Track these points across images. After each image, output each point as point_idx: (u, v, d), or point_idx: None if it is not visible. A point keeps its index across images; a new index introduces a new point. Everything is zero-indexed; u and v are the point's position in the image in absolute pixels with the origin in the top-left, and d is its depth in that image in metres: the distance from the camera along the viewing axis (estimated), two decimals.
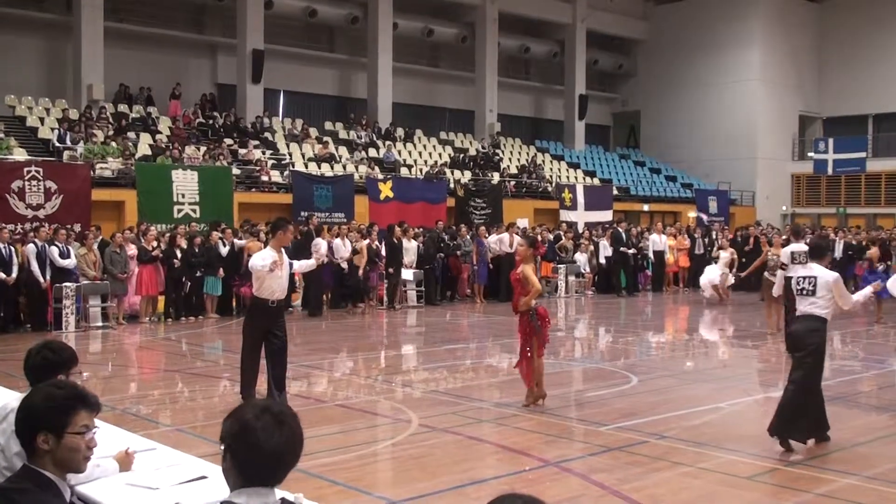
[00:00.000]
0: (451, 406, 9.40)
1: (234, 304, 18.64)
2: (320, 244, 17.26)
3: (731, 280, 21.27)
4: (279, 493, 2.44)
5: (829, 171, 34.87)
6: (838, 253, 24.26)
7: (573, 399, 9.89)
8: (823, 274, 7.78)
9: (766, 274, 15.53)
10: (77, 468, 2.85)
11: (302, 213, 22.09)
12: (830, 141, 35.35)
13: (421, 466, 7.19)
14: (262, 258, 9.10)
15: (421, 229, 21.61)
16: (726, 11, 36.29)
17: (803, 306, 7.84)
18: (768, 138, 36.48)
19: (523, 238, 9.56)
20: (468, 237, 21.75)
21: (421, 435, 8.18)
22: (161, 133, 24.74)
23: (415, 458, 7.44)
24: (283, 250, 9.33)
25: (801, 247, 12.96)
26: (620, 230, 24.41)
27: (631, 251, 24.01)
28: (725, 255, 21.84)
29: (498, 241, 21.37)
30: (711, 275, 21.33)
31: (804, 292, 7.81)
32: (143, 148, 23.26)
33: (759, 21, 36.08)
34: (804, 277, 7.88)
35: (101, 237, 17.42)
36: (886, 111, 35.91)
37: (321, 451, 7.46)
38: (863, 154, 34.52)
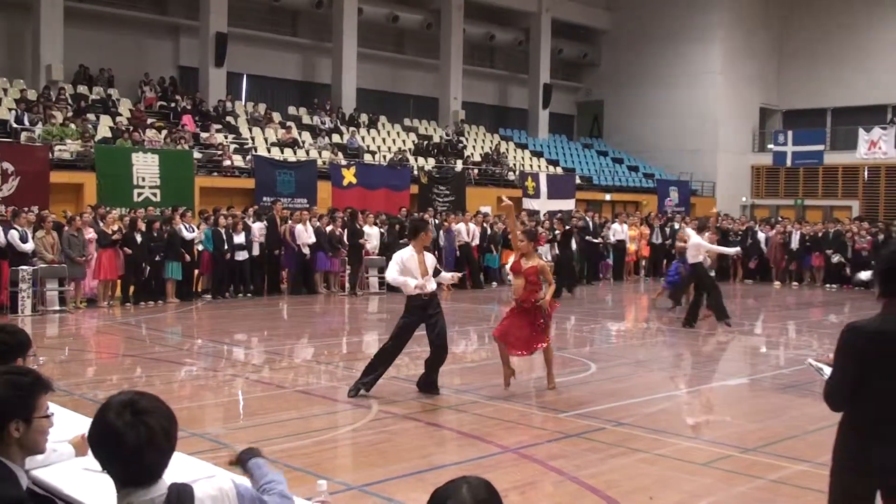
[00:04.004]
0: (411, 392, 9.43)
1: (195, 288, 18.56)
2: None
3: None
4: (169, 480, 2.43)
5: (788, 163, 35.34)
6: (795, 244, 24.68)
7: (533, 386, 9.96)
8: None
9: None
10: (42, 449, 2.90)
11: (264, 199, 21.98)
12: (789, 133, 35.80)
13: (380, 452, 7.21)
14: (400, 259, 8.99)
15: (384, 216, 21.59)
16: (689, 4, 36.56)
17: None
18: (729, 130, 36.86)
19: (523, 232, 9.71)
20: (433, 224, 21.77)
21: (381, 421, 8.20)
22: (121, 115, 24.42)
23: (374, 444, 7.46)
24: (423, 250, 9.15)
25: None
26: (588, 219, 24.60)
27: (597, 241, 24.23)
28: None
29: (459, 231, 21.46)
30: None
31: None
32: (103, 130, 22.95)
33: (722, 14, 36.39)
34: None
35: (67, 216, 17.11)
36: (844, 105, 36.44)
37: (280, 437, 7.46)
38: (821, 147, 35.00)
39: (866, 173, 33.88)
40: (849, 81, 35.64)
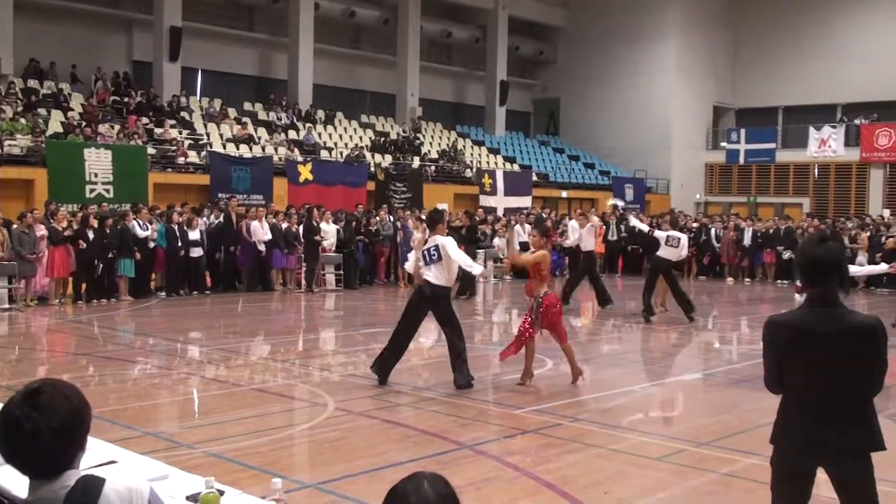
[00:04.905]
0: (367, 390, 9.42)
1: (151, 285, 18.37)
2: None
3: None
4: (84, 471, 2.39)
5: (741, 160, 35.87)
6: (748, 240, 25.04)
7: (490, 382, 9.99)
8: None
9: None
10: None
11: (219, 195, 21.78)
12: (742, 131, 36.37)
13: (336, 450, 7.20)
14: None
15: (342, 213, 21.51)
16: (645, 3, 36.84)
17: None
18: (683, 128, 37.25)
19: (535, 228, 10.24)
20: (389, 221, 21.73)
21: (337, 419, 8.19)
22: (73, 110, 24.03)
23: (330, 442, 7.44)
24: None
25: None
26: (544, 216, 24.72)
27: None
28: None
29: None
30: None
31: None
32: (54, 125, 22.57)
33: (676, 13, 36.76)
34: None
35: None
36: (795, 104, 37.02)
37: (235, 436, 7.41)
38: (773, 145, 35.59)
39: (816, 171, 34.46)
40: (800, 81, 36.23)
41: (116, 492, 2.34)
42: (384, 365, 9.61)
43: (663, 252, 15.43)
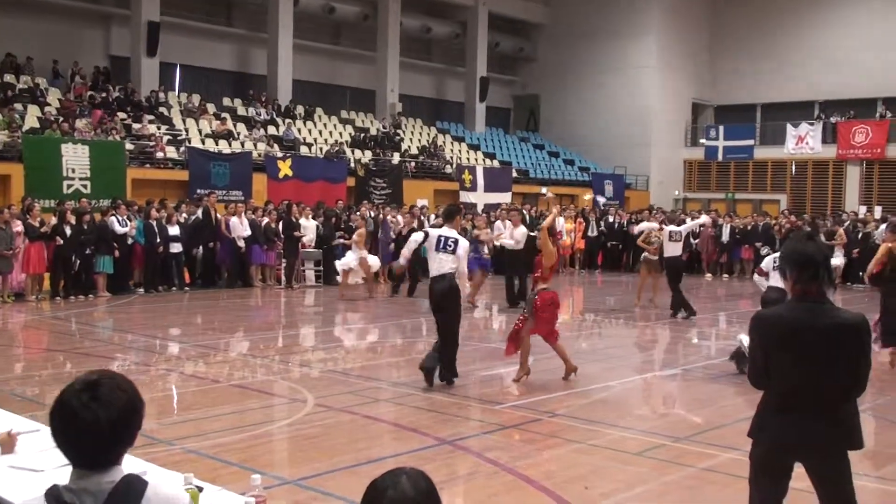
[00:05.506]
0: (347, 386, 9.41)
1: (130, 282, 18.25)
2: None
3: None
4: (126, 469, 2.39)
5: (720, 157, 36.06)
6: (726, 236, 25.18)
7: (470, 378, 9.99)
8: None
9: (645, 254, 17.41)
10: None
11: (198, 191, 21.66)
12: (721, 128, 36.56)
13: (316, 446, 7.18)
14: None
15: (321, 209, 21.45)
16: (625, 0, 36.99)
17: None
18: (662, 124, 37.40)
19: (541, 228, 10.39)
20: (369, 217, 21.65)
21: (317, 415, 8.17)
22: (50, 105, 23.82)
23: (310, 438, 7.42)
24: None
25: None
26: (525, 213, 24.71)
27: (533, 234, 24.32)
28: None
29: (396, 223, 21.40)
30: None
31: None
32: (31, 120, 22.37)
33: (656, 10, 36.90)
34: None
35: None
36: (773, 101, 37.28)
37: (215, 432, 7.38)
38: (751, 142, 35.81)
39: (794, 168, 34.70)
40: (778, 78, 36.48)
41: (157, 496, 2.35)
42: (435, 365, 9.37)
43: (670, 250, 15.56)
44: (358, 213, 20.90)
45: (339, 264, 18.29)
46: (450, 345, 9.42)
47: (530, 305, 9.61)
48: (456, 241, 9.42)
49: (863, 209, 28.68)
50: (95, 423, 2.27)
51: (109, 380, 2.37)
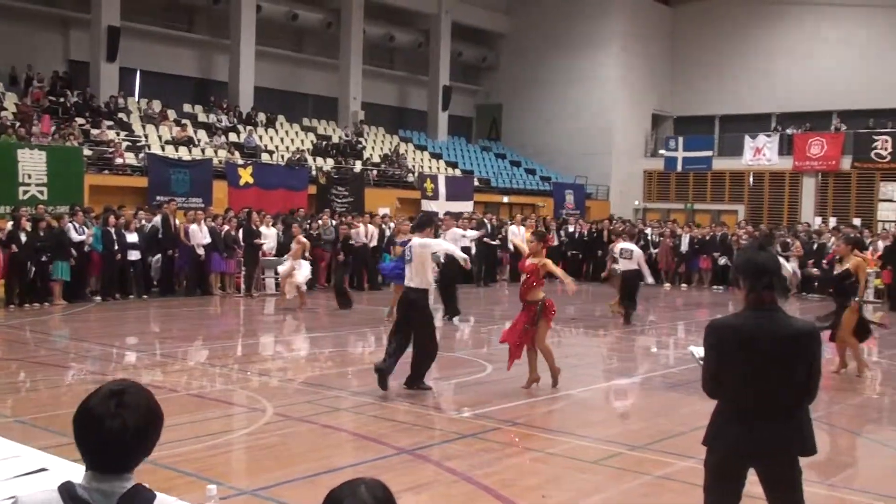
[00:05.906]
0: (306, 395, 9.38)
1: (87, 290, 18.01)
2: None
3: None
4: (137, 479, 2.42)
5: (679, 168, 36.41)
6: (685, 246, 25.46)
7: (431, 386, 9.99)
8: None
9: (614, 266, 17.54)
10: None
11: (158, 198, 21.46)
12: (680, 139, 36.93)
13: (274, 456, 7.15)
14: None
15: (280, 216, 21.36)
16: (587, 11, 37.29)
17: None
18: (623, 135, 37.74)
19: (532, 233, 10.42)
20: (330, 225, 21.60)
21: (275, 424, 8.13)
22: (7, 110, 23.47)
23: (268, 448, 7.39)
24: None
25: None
26: (486, 221, 24.85)
27: (495, 242, 24.47)
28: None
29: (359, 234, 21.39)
30: None
31: None
32: None
33: (617, 22, 37.26)
34: None
35: None
36: (731, 113, 37.81)
37: (172, 441, 7.30)
38: (710, 153, 36.21)
39: (751, 179, 35.16)
40: (735, 90, 37.03)
41: None
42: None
43: (624, 265, 16.27)
44: (301, 223, 20.76)
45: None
46: (417, 354, 9.45)
47: (540, 311, 9.67)
48: (410, 248, 9.60)
49: (818, 220, 29.14)
50: (123, 429, 2.33)
51: (134, 388, 2.44)
